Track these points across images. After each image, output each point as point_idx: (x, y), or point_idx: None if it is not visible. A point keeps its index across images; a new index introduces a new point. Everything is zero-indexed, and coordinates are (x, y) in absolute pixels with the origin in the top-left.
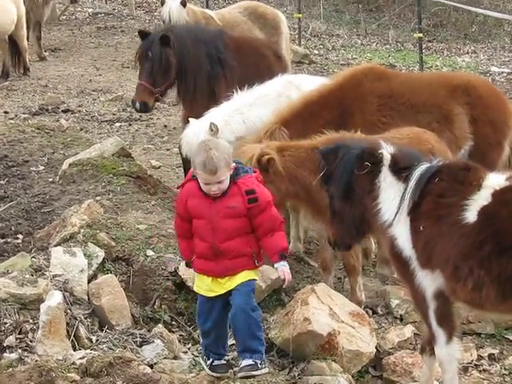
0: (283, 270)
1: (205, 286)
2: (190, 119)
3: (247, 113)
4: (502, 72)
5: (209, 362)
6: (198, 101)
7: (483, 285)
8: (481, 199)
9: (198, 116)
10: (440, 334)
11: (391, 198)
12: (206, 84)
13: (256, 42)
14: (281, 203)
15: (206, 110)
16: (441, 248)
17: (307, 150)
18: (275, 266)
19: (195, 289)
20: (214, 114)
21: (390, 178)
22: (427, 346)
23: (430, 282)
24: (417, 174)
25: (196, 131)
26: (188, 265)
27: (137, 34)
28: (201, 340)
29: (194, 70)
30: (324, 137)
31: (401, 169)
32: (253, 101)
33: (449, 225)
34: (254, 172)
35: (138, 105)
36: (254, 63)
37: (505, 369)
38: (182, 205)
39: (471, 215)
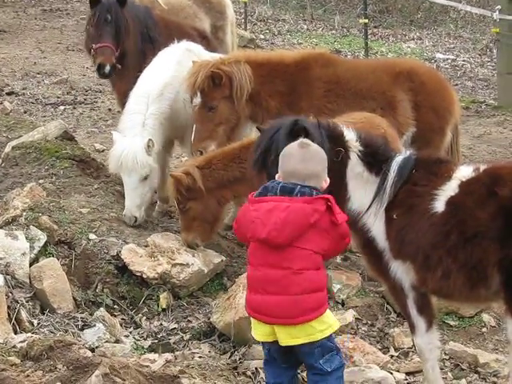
0: None
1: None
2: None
3: (157, 110)
4: (447, 59)
5: None
6: (130, 71)
7: (451, 273)
8: (449, 190)
9: (127, 87)
10: (420, 323)
11: (360, 189)
12: (139, 54)
13: (180, 22)
14: (222, 210)
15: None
16: (411, 237)
17: (239, 150)
18: None
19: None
20: (136, 128)
21: (359, 168)
22: None
23: (405, 272)
24: (394, 166)
25: (131, 149)
26: None
27: (82, 16)
28: None
29: (135, 36)
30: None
31: (375, 161)
32: (160, 91)
33: (420, 214)
34: None
35: (108, 68)
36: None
37: (445, 353)
38: None
39: (440, 205)
